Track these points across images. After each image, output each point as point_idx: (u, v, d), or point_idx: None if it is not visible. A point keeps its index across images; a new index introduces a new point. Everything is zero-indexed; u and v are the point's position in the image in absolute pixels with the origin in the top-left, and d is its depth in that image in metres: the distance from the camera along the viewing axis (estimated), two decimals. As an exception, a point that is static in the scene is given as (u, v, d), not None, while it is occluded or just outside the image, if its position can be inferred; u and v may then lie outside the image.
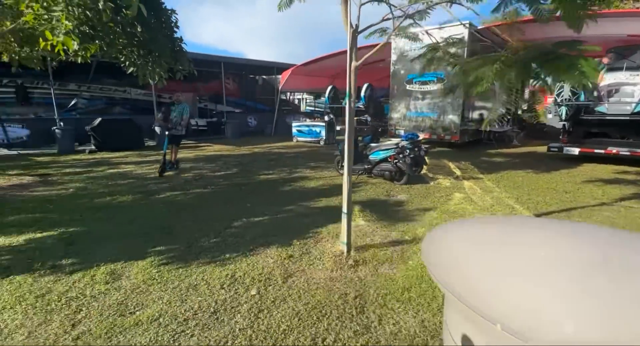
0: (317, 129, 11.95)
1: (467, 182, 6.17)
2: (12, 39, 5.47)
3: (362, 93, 13.02)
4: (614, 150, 6.99)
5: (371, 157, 6.13)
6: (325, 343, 2.02)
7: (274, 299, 2.47)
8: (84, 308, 2.39)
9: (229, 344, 2.03)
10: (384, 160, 5.95)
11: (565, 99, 7.54)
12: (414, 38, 3.74)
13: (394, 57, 10.61)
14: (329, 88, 14.48)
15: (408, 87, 10.45)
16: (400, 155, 5.79)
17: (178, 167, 7.07)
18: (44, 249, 3.34)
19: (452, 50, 3.99)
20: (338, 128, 13.22)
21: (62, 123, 9.66)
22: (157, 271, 2.89)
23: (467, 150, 10.03)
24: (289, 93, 25.77)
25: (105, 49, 4.74)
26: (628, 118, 7.14)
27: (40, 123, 10.20)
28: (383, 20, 3.21)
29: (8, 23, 5.08)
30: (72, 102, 12.44)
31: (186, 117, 6.86)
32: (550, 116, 9.50)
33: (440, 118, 9.92)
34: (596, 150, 7.28)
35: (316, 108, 21.79)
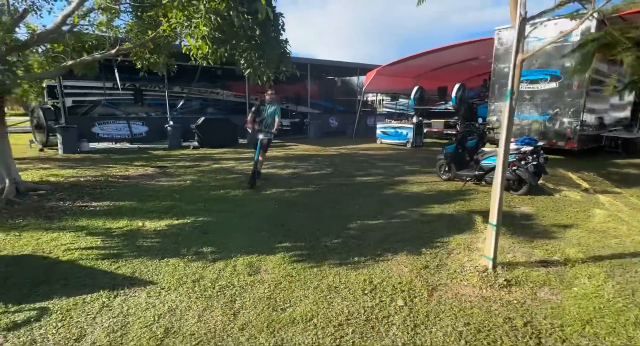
0: (404, 131, 11.53)
1: (603, 196, 5.28)
2: (151, 46, 6.20)
3: (454, 94, 12.27)
4: None
5: (484, 163, 5.61)
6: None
7: (427, 314, 2.29)
8: (237, 298, 2.49)
9: (395, 358, 1.90)
10: (500, 166, 5.37)
11: None
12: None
13: (498, 53, 9.69)
14: (415, 88, 13.92)
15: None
16: (522, 162, 5.18)
17: (259, 177, 6.09)
18: (184, 235, 3.65)
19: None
20: (425, 129, 12.60)
21: (172, 122, 10.81)
22: (293, 269, 2.92)
23: (586, 159, 8.71)
24: (365, 95, 25.66)
25: (230, 52, 5.07)
26: None
27: (155, 121, 11.57)
28: (560, 4, 2.80)
29: (150, 32, 5.77)
30: (180, 103, 13.87)
31: (278, 120, 6.12)
32: None
33: (552, 122, 8.76)
34: None
35: (396, 110, 21.11)
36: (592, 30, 7.73)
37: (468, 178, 5.88)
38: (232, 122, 11.50)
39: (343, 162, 8.45)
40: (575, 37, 7.95)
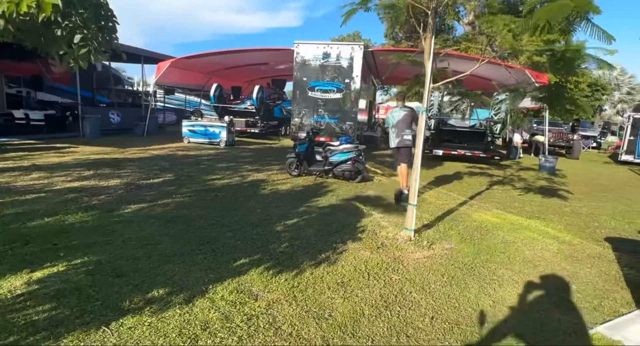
0: (217, 130, 11.41)
1: (391, 178, 7.83)
2: None
3: (255, 95, 13.35)
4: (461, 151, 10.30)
5: (332, 159, 6.87)
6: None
7: (413, 274, 3.04)
8: (282, 326, 2.27)
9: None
10: (344, 161, 6.81)
11: (434, 113, 10.47)
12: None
13: (297, 63, 11.47)
14: (215, 86, 14.04)
15: (310, 93, 11.54)
16: (360, 157, 6.81)
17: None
18: (95, 286, 2.56)
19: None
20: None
21: None
22: (284, 280, 2.85)
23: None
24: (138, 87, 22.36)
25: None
26: (468, 129, 10.65)
27: None
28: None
29: None
30: None
31: None
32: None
33: (340, 124, 11.50)
34: (452, 152, 10.48)
35: (186, 106, 19.69)
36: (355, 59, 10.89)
37: (318, 173, 7.00)
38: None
39: (174, 165, 7.57)
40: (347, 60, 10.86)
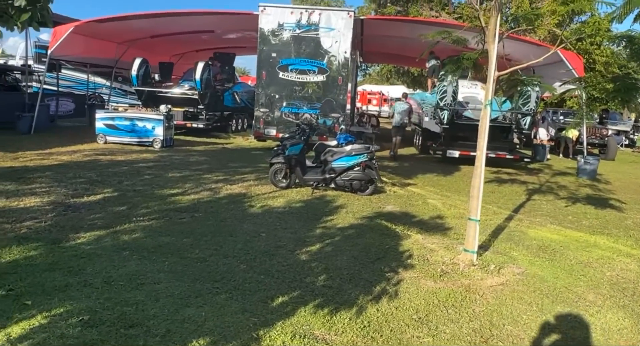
0: (148, 125, 11.25)
1: (413, 188, 8.40)
2: None
3: (198, 76, 13.37)
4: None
5: (336, 164, 7.21)
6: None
7: (487, 311, 3.48)
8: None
9: None
10: (351, 167, 7.19)
11: (448, 104, 11.24)
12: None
13: (263, 33, 11.72)
14: (138, 61, 13.94)
15: (282, 74, 11.86)
16: (373, 161, 7.24)
17: None
18: (106, 325, 2.67)
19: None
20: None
21: None
22: (347, 318, 3.14)
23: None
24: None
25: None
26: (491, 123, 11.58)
27: None
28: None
29: None
30: None
31: None
32: (426, 119, 13.41)
33: (322, 116, 11.90)
34: (472, 153, 11.32)
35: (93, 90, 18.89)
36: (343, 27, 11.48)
37: (315, 183, 7.30)
38: None
39: (105, 176, 7.48)
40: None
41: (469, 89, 13.20)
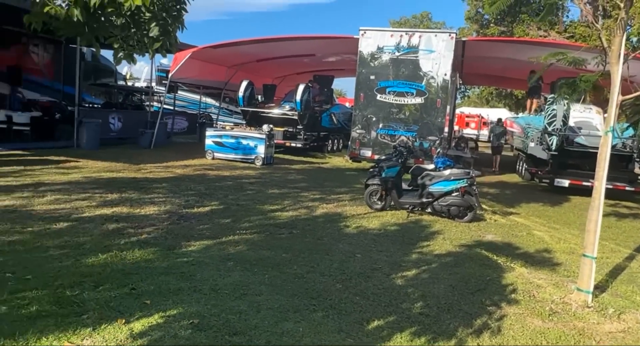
0: (252, 143, 11.93)
1: (515, 218, 7.90)
2: None
3: (298, 97, 13.88)
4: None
5: (434, 188, 7.05)
6: None
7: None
8: None
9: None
10: (449, 192, 6.98)
11: (557, 129, 10.50)
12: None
13: (363, 56, 11.95)
14: (245, 84, 14.77)
15: (379, 97, 11.94)
16: (473, 187, 6.97)
17: None
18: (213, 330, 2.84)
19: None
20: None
21: None
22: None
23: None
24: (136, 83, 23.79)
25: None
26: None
27: None
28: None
29: None
30: None
31: None
32: (532, 145, 12.67)
33: (419, 138, 11.73)
34: (584, 183, 10.39)
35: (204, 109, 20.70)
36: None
37: (411, 207, 7.19)
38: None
39: (212, 189, 8.05)
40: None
41: (581, 113, 12.18)
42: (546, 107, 11.43)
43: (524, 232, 6.84)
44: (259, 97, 16.93)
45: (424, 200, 7.12)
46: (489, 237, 6.37)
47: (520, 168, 14.27)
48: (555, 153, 10.82)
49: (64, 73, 16.63)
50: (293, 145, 14.67)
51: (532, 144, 12.33)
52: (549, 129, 10.65)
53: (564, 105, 10.24)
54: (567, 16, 24.25)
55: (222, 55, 15.05)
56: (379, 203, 7.37)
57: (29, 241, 4.59)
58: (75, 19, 4.31)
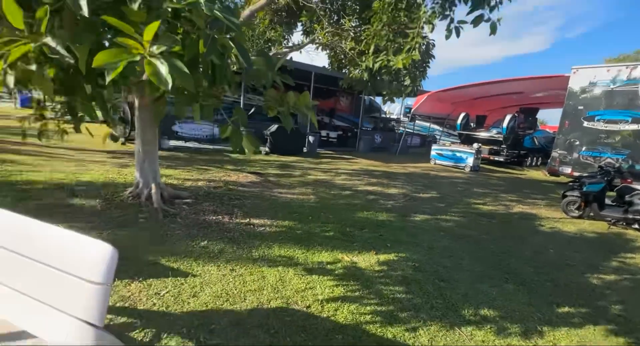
0: (464, 155, 10.71)
1: None
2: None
3: (505, 124, 11.61)
4: None
5: (643, 207, 4.79)
6: None
7: None
8: None
9: None
10: (664, 212, 4.58)
11: None
12: None
13: (572, 91, 9.02)
14: (462, 115, 13.27)
15: (586, 124, 8.77)
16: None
17: None
18: (419, 282, 2.65)
19: None
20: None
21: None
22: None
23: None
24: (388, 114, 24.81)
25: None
26: None
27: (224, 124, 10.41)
28: None
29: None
30: (252, 110, 12.47)
31: None
32: None
33: (630, 162, 8.09)
34: None
35: (426, 132, 20.05)
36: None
37: (614, 220, 5.05)
38: (302, 131, 10.47)
39: (432, 183, 7.56)
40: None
41: None
42: None
43: None
44: (472, 124, 14.99)
45: (630, 216, 4.87)
46: None
47: None
48: None
49: (354, 110, 18.77)
50: (496, 158, 12.42)
51: None
52: None
53: None
54: None
55: (448, 96, 13.94)
56: (576, 211, 5.47)
57: (331, 198, 5.32)
58: (364, 79, 4.69)
